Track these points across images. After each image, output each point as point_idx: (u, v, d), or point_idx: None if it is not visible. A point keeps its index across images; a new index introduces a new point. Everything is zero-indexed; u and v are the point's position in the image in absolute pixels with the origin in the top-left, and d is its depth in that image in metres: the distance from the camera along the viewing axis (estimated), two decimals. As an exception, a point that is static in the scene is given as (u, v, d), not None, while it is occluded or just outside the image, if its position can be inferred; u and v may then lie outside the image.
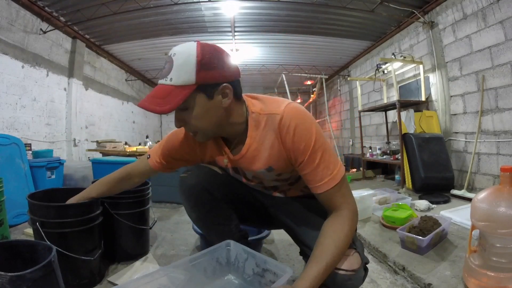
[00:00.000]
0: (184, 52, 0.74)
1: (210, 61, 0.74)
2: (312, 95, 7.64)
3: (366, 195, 2.14)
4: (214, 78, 0.75)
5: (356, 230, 0.83)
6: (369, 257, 1.57)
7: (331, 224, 0.79)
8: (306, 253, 0.91)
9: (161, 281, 0.77)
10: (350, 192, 0.83)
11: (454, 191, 2.83)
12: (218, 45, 0.80)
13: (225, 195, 0.98)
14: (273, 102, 0.85)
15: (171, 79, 0.74)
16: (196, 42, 0.76)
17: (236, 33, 4.63)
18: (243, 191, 1.03)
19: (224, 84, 0.77)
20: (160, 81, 0.76)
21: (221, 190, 0.97)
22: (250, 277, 0.84)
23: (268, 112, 0.83)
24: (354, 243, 0.84)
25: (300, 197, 1.02)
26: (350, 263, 0.79)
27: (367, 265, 0.86)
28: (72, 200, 1.14)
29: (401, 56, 3.78)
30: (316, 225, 0.88)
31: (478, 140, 2.87)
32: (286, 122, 0.79)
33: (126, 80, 6.44)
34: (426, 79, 3.68)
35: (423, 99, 3.64)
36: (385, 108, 4.18)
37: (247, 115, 0.85)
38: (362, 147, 4.65)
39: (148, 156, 1.05)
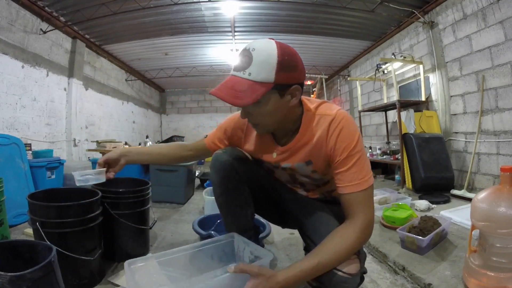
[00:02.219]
0: (265, 50, 0.78)
1: (288, 63, 0.79)
2: (312, 95, 7.64)
3: (366, 195, 2.14)
4: (289, 79, 0.81)
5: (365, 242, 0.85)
6: (369, 257, 1.57)
7: (341, 230, 0.82)
8: (311, 249, 0.93)
9: (161, 280, 0.79)
10: (372, 205, 0.84)
11: (454, 191, 2.83)
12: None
13: (250, 180, 1.03)
14: (325, 105, 0.93)
15: (249, 74, 0.77)
16: (273, 41, 0.80)
17: (236, 33, 4.63)
18: (267, 182, 1.09)
19: (295, 86, 0.82)
20: (236, 73, 0.79)
21: (247, 174, 1.02)
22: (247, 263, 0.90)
23: (322, 113, 0.90)
24: (360, 252, 0.86)
25: (319, 200, 1.07)
26: (349, 267, 0.81)
27: (364, 275, 0.90)
28: (129, 152, 1.14)
29: (401, 56, 3.79)
30: (327, 224, 0.93)
31: (478, 140, 2.87)
32: (335, 123, 0.86)
33: (126, 80, 6.44)
34: (426, 79, 3.68)
35: (423, 99, 3.65)
36: (385, 108, 4.18)
37: (302, 113, 0.92)
38: (362, 147, 4.64)
39: (205, 136, 1.15)
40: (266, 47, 0.78)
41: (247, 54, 0.78)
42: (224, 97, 0.78)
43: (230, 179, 0.99)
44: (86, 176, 1.03)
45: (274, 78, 0.77)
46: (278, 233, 1.83)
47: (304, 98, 0.94)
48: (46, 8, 3.56)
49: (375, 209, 2.19)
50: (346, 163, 0.84)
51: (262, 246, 1.19)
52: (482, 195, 1.08)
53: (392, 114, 4.41)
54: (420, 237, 1.43)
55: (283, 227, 1.28)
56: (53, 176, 2.55)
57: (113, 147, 3.79)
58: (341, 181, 0.84)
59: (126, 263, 0.81)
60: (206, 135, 1.16)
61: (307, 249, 1.00)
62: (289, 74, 0.80)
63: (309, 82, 7.64)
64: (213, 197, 1.14)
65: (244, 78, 0.77)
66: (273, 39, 0.82)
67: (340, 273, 0.79)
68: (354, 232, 0.79)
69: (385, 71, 4.25)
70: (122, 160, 1.11)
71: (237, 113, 1.07)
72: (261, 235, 1.40)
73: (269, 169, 1.08)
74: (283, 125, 0.92)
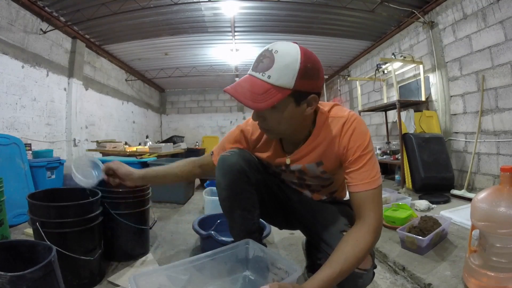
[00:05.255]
0: (289, 54, 0.75)
1: (309, 71, 0.76)
2: (312, 95, 7.62)
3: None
4: (308, 87, 0.78)
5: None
6: (369, 257, 1.57)
7: (355, 232, 0.82)
8: (322, 248, 0.95)
9: (161, 280, 0.78)
10: (381, 203, 0.86)
11: (454, 191, 2.83)
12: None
13: (258, 182, 1.01)
14: (337, 108, 0.94)
15: (269, 77, 0.74)
16: (298, 46, 0.77)
17: (236, 33, 4.63)
18: (274, 184, 1.08)
19: (313, 95, 0.80)
20: (254, 73, 0.76)
21: (256, 176, 0.99)
22: (265, 274, 0.88)
23: (334, 115, 0.92)
24: None
25: (323, 201, 1.09)
26: (364, 263, 0.83)
27: (374, 270, 0.91)
28: (142, 172, 1.11)
29: (401, 56, 3.78)
30: (336, 223, 0.96)
31: (478, 140, 2.87)
32: (348, 123, 0.88)
33: (126, 80, 6.44)
34: (426, 79, 3.68)
35: (423, 99, 3.64)
36: (385, 108, 4.18)
37: (314, 120, 0.92)
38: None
39: (211, 153, 1.11)
40: (290, 51, 0.75)
41: (269, 56, 0.75)
42: (241, 99, 0.75)
43: (238, 182, 0.96)
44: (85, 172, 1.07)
45: (294, 85, 0.75)
46: (278, 233, 1.83)
47: None
48: (46, 8, 3.56)
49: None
50: (358, 162, 0.85)
51: (265, 246, 1.18)
52: (482, 195, 1.08)
53: (392, 114, 4.41)
54: (420, 237, 1.43)
55: (282, 228, 1.28)
56: (53, 176, 2.54)
57: (113, 147, 3.79)
58: (353, 179, 0.85)
59: (131, 278, 0.73)
60: (212, 152, 1.11)
61: (315, 246, 1.01)
62: (309, 82, 0.77)
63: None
64: (213, 197, 1.13)
65: (262, 80, 0.75)
66: (298, 44, 0.78)
67: (356, 269, 0.81)
68: (368, 233, 0.80)
69: (385, 71, 4.25)
70: (134, 175, 1.09)
71: (236, 127, 1.07)
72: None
73: (276, 172, 1.07)
74: (294, 134, 0.91)
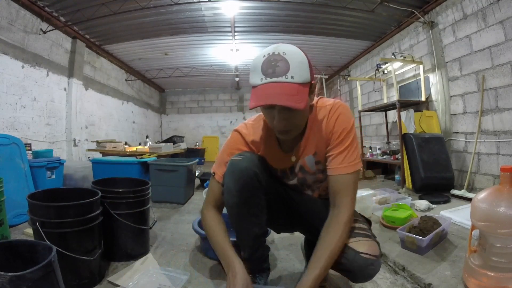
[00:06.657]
0: (295, 52, 0.80)
1: (310, 61, 0.83)
2: (312, 95, 7.61)
3: (366, 195, 2.14)
4: (313, 77, 0.84)
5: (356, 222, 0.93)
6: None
7: (328, 231, 0.87)
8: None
9: (161, 280, 0.77)
10: (355, 193, 0.89)
11: (454, 191, 2.83)
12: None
13: (269, 185, 1.01)
14: (322, 99, 0.99)
15: (292, 77, 0.77)
16: (289, 44, 0.83)
17: (236, 33, 4.63)
18: (280, 185, 1.09)
19: (313, 82, 0.85)
20: (277, 79, 0.76)
21: (266, 179, 0.99)
22: None
23: (321, 105, 0.96)
24: (374, 236, 0.94)
25: (322, 198, 1.10)
26: (373, 249, 0.87)
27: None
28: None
29: (401, 56, 3.78)
30: None
31: (478, 140, 2.87)
32: (334, 109, 0.93)
33: (126, 80, 6.44)
34: (426, 79, 3.68)
35: (423, 99, 3.64)
36: (385, 108, 4.18)
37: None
38: (362, 147, 4.65)
39: (213, 173, 1.05)
40: (294, 49, 0.80)
41: (281, 58, 0.77)
42: (286, 103, 0.74)
43: (250, 186, 0.93)
44: None
45: (310, 77, 0.81)
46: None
47: None
48: (46, 8, 3.57)
49: (375, 209, 2.21)
50: (340, 145, 0.89)
51: (268, 248, 1.16)
52: (482, 195, 1.08)
53: (392, 114, 4.41)
54: (420, 237, 1.43)
55: (280, 231, 1.29)
56: (53, 176, 2.54)
57: (113, 147, 3.79)
58: (334, 163, 0.89)
59: None
60: (214, 173, 1.04)
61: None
62: (312, 72, 0.83)
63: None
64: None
65: (289, 82, 0.76)
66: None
67: (365, 255, 0.85)
68: (339, 229, 0.85)
69: (385, 71, 4.25)
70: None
71: (232, 132, 1.04)
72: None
73: (278, 176, 1.08)
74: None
